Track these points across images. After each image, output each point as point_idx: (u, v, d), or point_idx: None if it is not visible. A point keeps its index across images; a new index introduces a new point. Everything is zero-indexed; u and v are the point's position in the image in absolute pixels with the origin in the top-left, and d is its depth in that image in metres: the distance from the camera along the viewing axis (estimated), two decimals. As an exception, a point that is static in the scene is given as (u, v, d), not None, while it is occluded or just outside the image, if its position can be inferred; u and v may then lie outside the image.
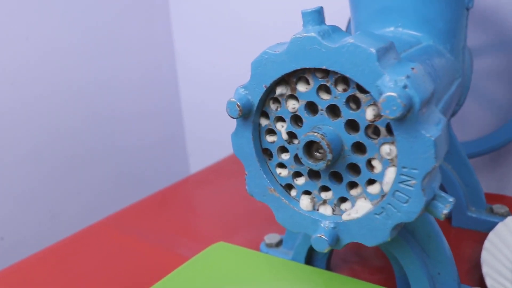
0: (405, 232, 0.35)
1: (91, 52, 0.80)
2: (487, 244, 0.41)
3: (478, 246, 0.42)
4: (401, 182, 0.25)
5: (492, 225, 0.45)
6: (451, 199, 0.26)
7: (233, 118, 0.28)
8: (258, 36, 0.79)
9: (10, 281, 0.44)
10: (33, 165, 0.75)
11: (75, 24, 0.77)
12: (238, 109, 0.27)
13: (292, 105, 0.28)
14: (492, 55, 0.58)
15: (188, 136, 1.01)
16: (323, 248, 0.27)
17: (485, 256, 0.39)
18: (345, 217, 0.28)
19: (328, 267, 0.41)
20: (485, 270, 0.37)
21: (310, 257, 0.41)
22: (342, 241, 0.28)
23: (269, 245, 0.44)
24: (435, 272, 0.36)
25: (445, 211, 0.26)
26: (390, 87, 0.23)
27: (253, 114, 0.28)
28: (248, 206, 0.57)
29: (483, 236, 0.43)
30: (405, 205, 0.25)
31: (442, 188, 0.49)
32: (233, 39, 0.83)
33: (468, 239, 0.47)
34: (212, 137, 0.95)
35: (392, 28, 0.37)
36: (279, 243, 0.44)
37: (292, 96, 0.28)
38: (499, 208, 0.48)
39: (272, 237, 0.45)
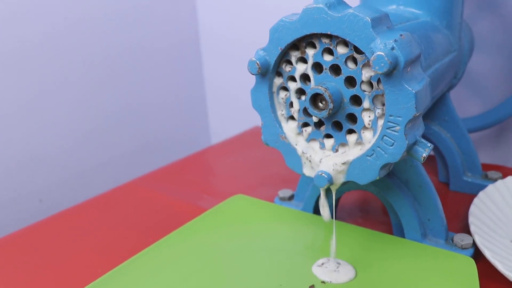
0: (399, 183, 0.40)
1: (121, 28, 0.87)
2: (476, 200, 0.46)
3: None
4: (388, 128, 0.31)
5: (486, 189, 0.50)
6: (429, 145, 0.31)
7: (252, 74, 0.33)
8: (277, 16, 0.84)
9: (49, 231, 0.50)
10: (69, 134, 0.83)
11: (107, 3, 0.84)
12: (257, 67, 0.33)
13: (302, 65, 0.34)
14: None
15: (211, 113, 1.07)
16: (323, 184, 0.33)
17: (473, 209, 0.44)
18: (341, 158, 0.33)
19: (334, 218, 0.47)
20: (470, 220, 0.42)
21: (318, 208, 0.47)
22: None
23: (282, 199, 0.50)
24: (425, 219, 0.41)
25: (425, 155, 0.31)
26: (380, 48, 0.29)
27: (270, 72, 0.34)
28: (264, 170, 0.63)
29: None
30: (391, 148, 0.31)
31: (440, 154, 0.54)
32: (256, 18, 0.88)
33: (463, 201, 0.52)
34: (233, 114, 1.01)
35: (394, 6, 0.42)
36: (291, 197, 0.50)
37: (302, 59, 0.34)
38: (493, 174, 0.53)
39: (285, 192, 0.50)
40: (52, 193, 0.82)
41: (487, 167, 0.57)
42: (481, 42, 0.63)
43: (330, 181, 0.33)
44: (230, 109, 1.01)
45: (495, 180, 0.53)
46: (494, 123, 0.62)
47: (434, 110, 0.51)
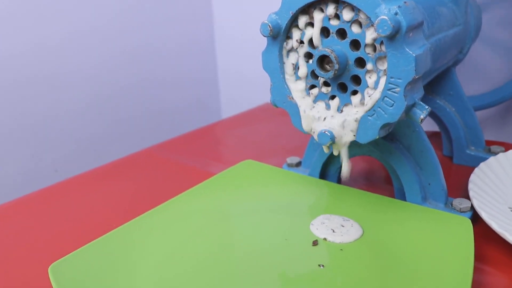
0: (402, 148, 0.42)
1: (136, 19, 0.90)
2: (477, 170, 0.47)
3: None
4: (389, 90, 0.33)
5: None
6: (427, 107, 0.33)
7: (264, 36, 0.36)
8: None
9: (65, 193, 0.53)
10: (85, 112, 0.86)
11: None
12: (269, 29, 0.35)
13: (310, 30, 0.36)
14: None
15: (223, 94, 1.09)
16: (325, 141, 0.35)
17: (473, 178, 0.46)
18: (345, 118, 0.35)
19: (338, 183, 0.49)
20: (470, 186, 0.44)
21: (324, 174, 0.49)
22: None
23: (290, 165, 0.52)
24: (426, 183, 0.43)
25: (422, 116, 0.33)
26: (384, 13, 0.31)
27: (281, 35, 0.36)
28: (273, 142, 0.65)
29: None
30: (390, 108, 0.33)
31: (445, 128, 0.56)
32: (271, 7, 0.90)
33: (465, 173, 0.53)
34: (243, 94, 1.04)
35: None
36: (298, 164, 0.52)
37: (311, 24, 0.36)
38: (496, 148, 0.55)
39: (293, 159, 0.53)
40: (67, 164, 0.86)
41: (491, 143, 0.59)
42: (488, 19, 0.64)
43: (333, 139, 0.35)
44: (240, 90, 1.04)
45: (497, 153, 0.54)
46: (500, 101, 0.63)
47: (440, 84, 0.53)
